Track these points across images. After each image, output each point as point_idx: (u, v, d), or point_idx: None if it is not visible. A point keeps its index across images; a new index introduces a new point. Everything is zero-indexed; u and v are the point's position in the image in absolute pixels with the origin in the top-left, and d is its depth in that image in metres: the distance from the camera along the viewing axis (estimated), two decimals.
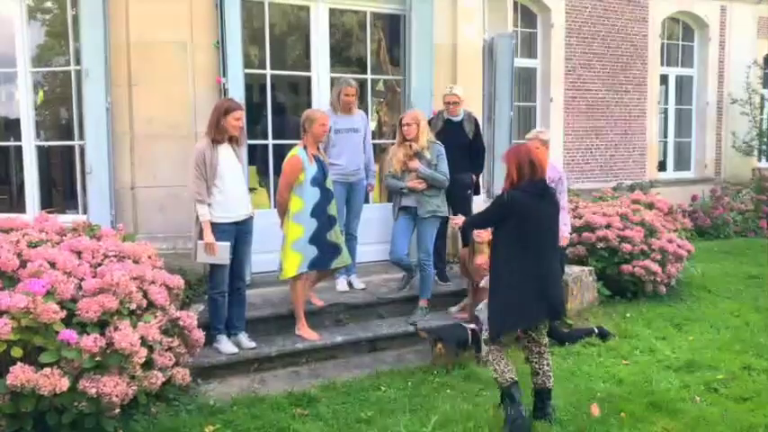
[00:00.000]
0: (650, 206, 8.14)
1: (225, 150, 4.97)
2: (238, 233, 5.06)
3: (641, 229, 7.08)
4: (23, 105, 6.17)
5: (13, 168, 6.84)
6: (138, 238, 5.32)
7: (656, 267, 6.83)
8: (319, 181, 5.30)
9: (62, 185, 7.15)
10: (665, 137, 12.43)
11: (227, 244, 4.91)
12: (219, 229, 4.91)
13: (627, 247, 6.88)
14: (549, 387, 4.21)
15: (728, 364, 5.20)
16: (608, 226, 7.03)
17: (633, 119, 11.52)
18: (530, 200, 4.00)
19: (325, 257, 5.38)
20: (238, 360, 5.03)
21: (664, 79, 12.16)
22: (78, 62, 5.87)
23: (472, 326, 5.31)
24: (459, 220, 4.72)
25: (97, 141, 5.80)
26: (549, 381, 4.21)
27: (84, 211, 5.98)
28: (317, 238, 5.29)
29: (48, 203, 6.46)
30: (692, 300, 7.13)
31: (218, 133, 4.90)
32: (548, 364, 4.21)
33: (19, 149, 6.28)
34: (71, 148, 6.31)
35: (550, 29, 10.55)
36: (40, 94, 6.77)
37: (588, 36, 10.92)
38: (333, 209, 5.42)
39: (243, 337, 5.15)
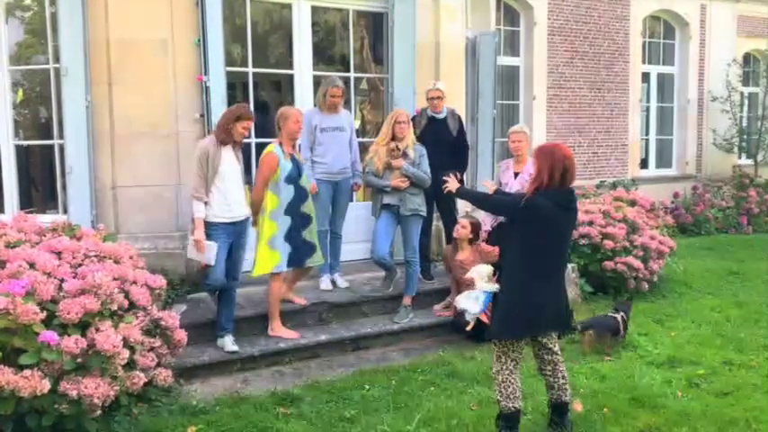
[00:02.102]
0: (632, 203, 8.20)
1: (228, 152, 5.01)
2: (236, 233, 5.07)
3: (623, 226, 7.14)
4: (1, 104, 6.08)
5: None
6: (119, 238, 5.28)
7: (638, 264, 6.89)
8: (294, 178, 5.30)
9: (42, 185, 7.06)
10: (647, 134, 12.53)
11: (214, 244, 4.89)
12: (218, 228, 4.93)
13: (609, 243, 6.93)
14: (566, 401, 3.97)
15: (709, 360, 5.25)
16: (590, 223, 7.07)
17: (615, 116, 11.60)
18: (555, 211, 3.72)
19: (299, 255, 5.37)
20: (221, 360, 5.00)
21: (645, 77, 12.25)
22: (57, 60, 5.81)
23: (621, 314, 5.57)
24: (453, 184, 4.35)
25: (77, 140, 5.75)
26: (566, 394, 3.96)
27: (65, 211, 5.92)
28: (290, 236, 5.29)
29: (27, 203, 6.38)
30: (673, 296, 7.20)
31: (224, 135, 4.95)
32: (563, 377, 3.95)
33: None
34: (51, 147, 6.23)
35: (533, 27, 10.59)
36: (20, 92, 6.68)
37: (571, 34, 10.97)
38: (308, 207, 5.42)
39: (228, 340, 5.11)
